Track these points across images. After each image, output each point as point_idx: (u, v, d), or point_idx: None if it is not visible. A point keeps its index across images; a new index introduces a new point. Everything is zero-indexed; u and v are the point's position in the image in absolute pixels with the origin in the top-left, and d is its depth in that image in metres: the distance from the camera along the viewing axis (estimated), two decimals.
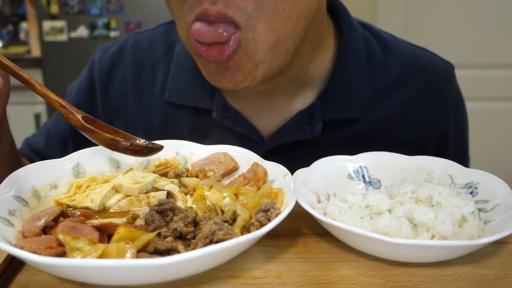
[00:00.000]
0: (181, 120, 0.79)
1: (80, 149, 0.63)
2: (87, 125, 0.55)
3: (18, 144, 0.76)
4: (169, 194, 0.58)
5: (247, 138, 0.75)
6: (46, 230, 0.48)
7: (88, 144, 0.60)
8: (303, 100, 0.76)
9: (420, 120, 0.79)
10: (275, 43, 0.60)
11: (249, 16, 0.57)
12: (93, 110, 0.85)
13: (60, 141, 0.87)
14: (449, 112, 0.82)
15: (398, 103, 0.77)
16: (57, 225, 0.48)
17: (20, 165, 0.65)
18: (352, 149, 0.66)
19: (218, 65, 0.61)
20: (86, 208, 0.55)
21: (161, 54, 0.83)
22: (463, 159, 0.89)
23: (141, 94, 0.82)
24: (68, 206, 0.56)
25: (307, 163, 0.62)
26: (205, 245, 0.44)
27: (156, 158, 0.65)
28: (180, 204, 0.56)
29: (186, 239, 0.47)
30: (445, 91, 0.81)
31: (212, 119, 0.76)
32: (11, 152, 0.70)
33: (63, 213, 0.52)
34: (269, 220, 0.48)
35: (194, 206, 0.55)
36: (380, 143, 0.76)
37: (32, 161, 0.85)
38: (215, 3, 0.56)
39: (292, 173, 0.58)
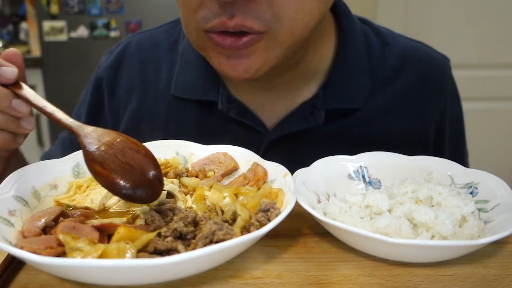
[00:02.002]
0: (186, 114, 0.81)
1: None
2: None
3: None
4: (169, 194, 0.58)
5: (252, 128, 0.77)
6: (46, 230, 0.48)
7: None
8: (307, 92, 0.77)
9: (418, 110, 0.80)
10: (292, 44, 0.62)
11: (268, 22, 0.58)
12: (100, 108, 0.86)
13: (77, 148, 0.87)
14: (445, 102, 0.83)
15: (395, 94, 0.79)
16: (57, 225, 0.48)
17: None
18: (353, 141, 0.66)
19: (230, 56, 0.61)
20: (86, 208, 0.55)
21: (165, 51, 0.85)
22: (461, 151, 0.90)
23: (146, 91, 0.84)
24: (68, 206, 0.56)
25: (310, 154, 0.63)
26: (205, 245, 0.44)
27: (156, 158, 0.65)
28: (180, 204, 0.56)
29: (186, 239, 0.47)
30: (441, 81, 0.83)
31: (217, 111, 0.77)
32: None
33: (63, 213, 0.52)
34: (269, 220, 0.48)
35: (194, 206, 0.55)
36: (379, 135, 0.77)
37: None
38: (233, 16, 0.57)
39: (295, 165, 0.59)
